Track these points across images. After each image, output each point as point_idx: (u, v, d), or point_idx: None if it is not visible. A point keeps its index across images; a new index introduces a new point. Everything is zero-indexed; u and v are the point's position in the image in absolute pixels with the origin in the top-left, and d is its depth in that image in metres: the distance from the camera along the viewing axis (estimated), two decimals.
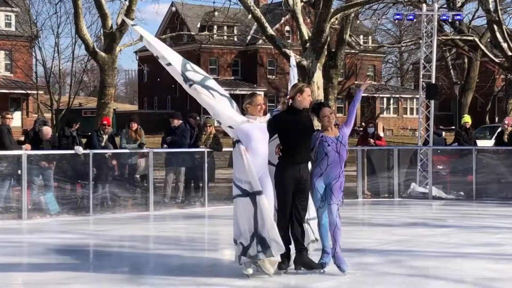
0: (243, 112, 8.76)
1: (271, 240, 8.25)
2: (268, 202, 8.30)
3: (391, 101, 66.16)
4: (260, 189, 8.25)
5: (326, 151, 8.67)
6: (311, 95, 8.98)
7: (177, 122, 17.17)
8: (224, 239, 12.32)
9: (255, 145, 8.44)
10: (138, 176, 16.88)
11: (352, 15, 32.25)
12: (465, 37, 41.18)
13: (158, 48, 8.73)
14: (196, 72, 8.72)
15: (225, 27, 60.22)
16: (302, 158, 8.71)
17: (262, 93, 57.03)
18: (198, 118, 18.82)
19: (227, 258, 10.09)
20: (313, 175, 8.75)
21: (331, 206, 8.67)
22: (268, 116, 8.92)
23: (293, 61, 10.60)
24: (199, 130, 17.49)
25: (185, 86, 8.67)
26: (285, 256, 8.64)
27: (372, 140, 19.29)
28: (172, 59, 8.69)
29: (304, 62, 27.67)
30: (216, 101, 8.60)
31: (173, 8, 52.97)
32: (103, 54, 28.78)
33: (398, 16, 26.38)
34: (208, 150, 16.89)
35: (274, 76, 62.57)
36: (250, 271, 8.41)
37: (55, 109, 45.72)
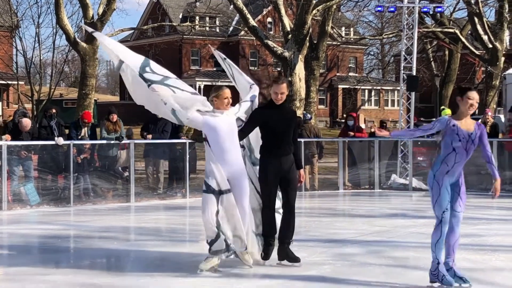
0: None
1: (235, 236, 8.25)
2: (236, 198, 8.22)
3: (373, 93, 66.29)
4: (228, 188, 8.16)
5: (455, 146, 7.60)
6: (284, 91, 8.61)
7: None
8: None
9: (222, 140, 8.21)
10: (120, 167, 16.81)
11: (334, 6, 32.29)
12: (446, 30, 41.37)
13: (116, 51, 8.48)
14: (154, 74, 8.35)
15: (207, 18, 60.04)
16: (283, 151, 8.65)
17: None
18: None
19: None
20: (438, 172, 7.78)
21: (459, 214, 7.78)
22: (236, 107, 8.66)
23: (219, 55, 9.70)
24: None
25: (140, 88, 8.37)
26: (268, 248, 8.66)
27: (351, 133, 19.36)
28: (130, 61, 8.39)
29: (286, 54, 27.70)
30: (176, 94, 8.28)
31: None
32: (84, 44, 28.70)
33: (379, 8, 26.44)
34: (190, 141, 16.87)
35: (256, 68, 62.50)
36: (203, 267, 8.29)
37: (35, 100, 45.49)
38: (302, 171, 8.92)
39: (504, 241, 10.85)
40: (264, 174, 8.59)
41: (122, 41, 62.54)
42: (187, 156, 16.72)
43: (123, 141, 16.45)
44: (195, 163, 18.00)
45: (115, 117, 16.82)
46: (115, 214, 14.55)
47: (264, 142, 8.66)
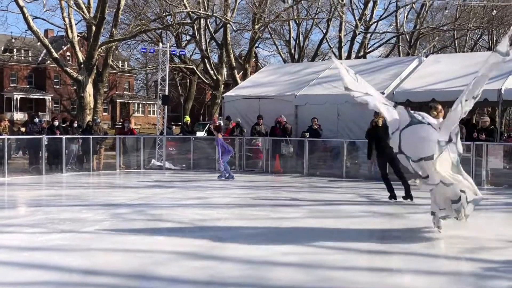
0: None
1: None
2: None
3: (140, 105, 65.40)
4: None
5: None
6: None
7: None
8: (19, 200, 11.34)
9: None
10: None
11: (114, 46, 31.41)
12: (187, 66, 41.87)
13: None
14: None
15: (22, 50, 55.46)
16: None
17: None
18: None
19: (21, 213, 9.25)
20: None
21: None
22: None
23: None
24: None
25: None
26: None
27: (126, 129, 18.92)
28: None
29: (80, 77, 26.56)
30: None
31: None
32: None
33: (143, 50, 26.13)
34: (8, 137, 15.39)
35: (58, 87, 58.96)
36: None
37: None
38: None
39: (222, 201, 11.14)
40: None
41: None
42: (6, 148, 15.25)
43: None
44: (10, 153, 16.45)
45: None
46: None
47: None
